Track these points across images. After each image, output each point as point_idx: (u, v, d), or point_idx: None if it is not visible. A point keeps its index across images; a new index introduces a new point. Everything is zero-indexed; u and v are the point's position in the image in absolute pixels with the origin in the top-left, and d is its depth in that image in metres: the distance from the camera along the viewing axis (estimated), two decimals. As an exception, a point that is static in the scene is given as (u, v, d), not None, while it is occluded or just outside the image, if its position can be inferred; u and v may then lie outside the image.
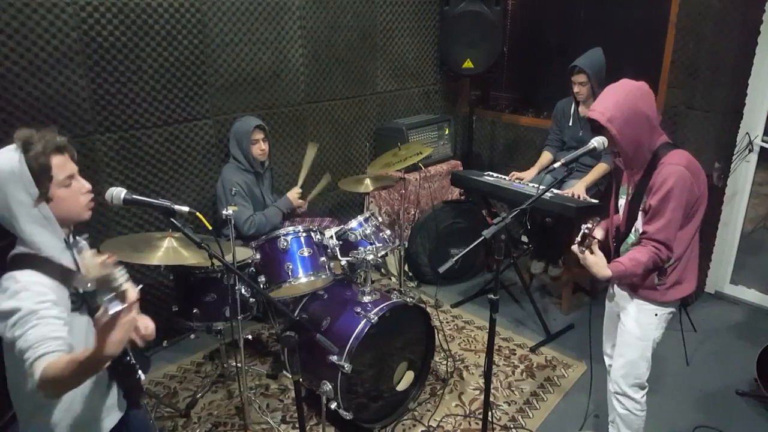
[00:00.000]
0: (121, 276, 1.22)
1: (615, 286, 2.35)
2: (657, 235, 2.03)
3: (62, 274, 1.53)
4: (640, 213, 2.12)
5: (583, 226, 2.02)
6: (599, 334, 2.55)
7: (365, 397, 2.68)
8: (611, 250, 2.30)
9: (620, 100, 2.02)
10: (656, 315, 2.19)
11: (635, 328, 2.22)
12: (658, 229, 2.02)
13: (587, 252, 2.05)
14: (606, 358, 2.53)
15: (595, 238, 2.05)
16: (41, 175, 1.50)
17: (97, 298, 1.22)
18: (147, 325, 1.65)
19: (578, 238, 2.03)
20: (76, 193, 1.59)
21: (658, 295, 2.16)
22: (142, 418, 1.94)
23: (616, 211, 2.31)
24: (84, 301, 1.58)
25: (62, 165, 1.55)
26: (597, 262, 2.05)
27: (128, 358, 1.66)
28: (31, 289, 1.44)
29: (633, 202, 2.16)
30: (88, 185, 1.63)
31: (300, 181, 3.47)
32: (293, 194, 3.40)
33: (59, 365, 1.32)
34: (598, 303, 3.88)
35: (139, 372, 1.70)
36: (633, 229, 2.18)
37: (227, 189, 3.10)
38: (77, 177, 1.61)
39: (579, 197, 3.40)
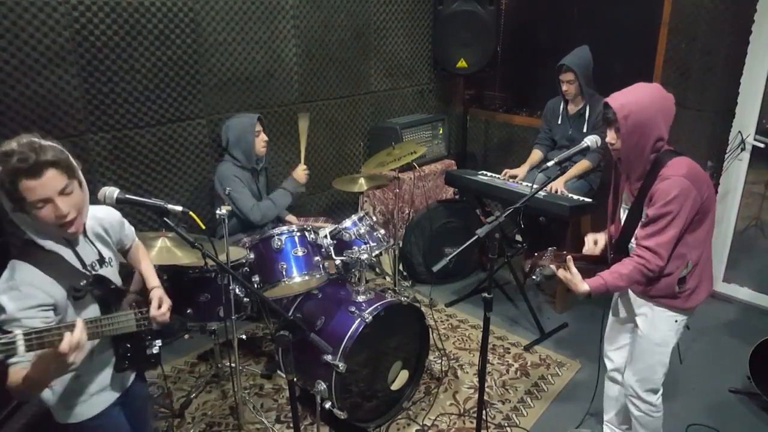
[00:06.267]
0: (2, 348, 1.23)
1: (629, 293, 2.29)
2: (647, 241, 1.98)
3: (59, 269, 1.54)
4: (640, 225, 2.06)
5: (535, 256, 2.08)
6: (593, 333, 2.55)
7: (360, 396, 2.67)
8: (609, 261, 2.22)
9: (644, 103, 1.94)
10: (676, 321, 2.15)
11: (654, 334, 2.18)
12: (650, 234, 1.98)
13: (561, 270, 2.07)
14: (607, 361, 2.51)
15: (565, 254, 2.07)
16: (8, 193, 1.45)
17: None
18: (162, 308, 1.77)
19: (526, 269, 2.09)
20: (53, 215, 1.48)
21: (679, 302, 2.11)
22: (142, 391, 1.98)
23: (613, 220, 2.26)
24: (87, 291, 1.61)
25: (34, 188, 1.43)
26: (571, 279, 2.05)
27: (127, 345, 1.71)
28: (21, 290, 1.46)
29: (632, 214, 2.10)
30: (63, 211, 1.49)
31: (302, 158, 3.39)
32: (299, 172, 3.35)
33: (18, 378, 1.40)
34: (593, 302, 3.88)
35: (154, 347, 1.76)
36: (633, 238, 2.12)
37: (224, 187, 3.09)
38: (55, 201, 1.47)
39: (558, 192, 3.42)
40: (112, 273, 1.76)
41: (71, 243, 1.63)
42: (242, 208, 3.10)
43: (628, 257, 2.05)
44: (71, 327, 1.35)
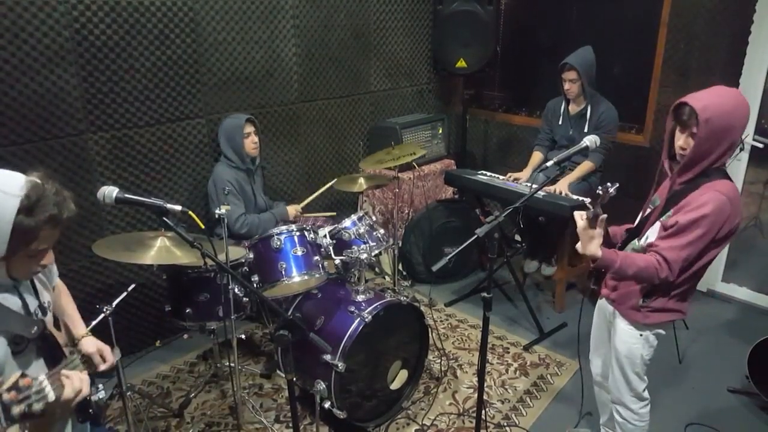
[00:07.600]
0: (36, 397, 1.13)
1: (603, 299, 2.27)
2: (666, 252, 1.87)
3: (2, 319, 1.41)
4: (658, 224, 1.96)
5: (601, 186, 1.82)
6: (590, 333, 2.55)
7: (359, 396, 2.68)
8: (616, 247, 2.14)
9: (726, 108, 1.81)
10: (641, 335, 2.11)
11: (621, 346, 2.16)
12: (671, 247, 1.87)
13: (589, 226, 1.88)
14: (592, 367, 2.49)
15: (604, 215, 1.86)
16: (20, 239, 1.34)
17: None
18: (106, 360, 1.66)
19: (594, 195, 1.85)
20: (34, 263, 1.44)
21: (639, 317, 2.07)
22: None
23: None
24: (29, 342, 1.46)
25: (46, 238, 1.40)
26: (591, 238, 1.88)
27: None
28: None
29: (658, 210, 2.01)
30: (49, 260, 1.48)
31: (304, 203, 3.52)
32: (293, 210, 3.43)
33: None
34: (592, 302, 3.88)
35: (99, 392, 1.62)
36: (645, 236, 2.04)
37: (219, 188, 3.09)
38: (47, 252, 1.46)
39: (562, 194, 3.42)
40: (50, 320, 1.60)
41: (13, 286, 1.47)
42: (229, 216, 3.02)
43: (651, 254, 1.93)
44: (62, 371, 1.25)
